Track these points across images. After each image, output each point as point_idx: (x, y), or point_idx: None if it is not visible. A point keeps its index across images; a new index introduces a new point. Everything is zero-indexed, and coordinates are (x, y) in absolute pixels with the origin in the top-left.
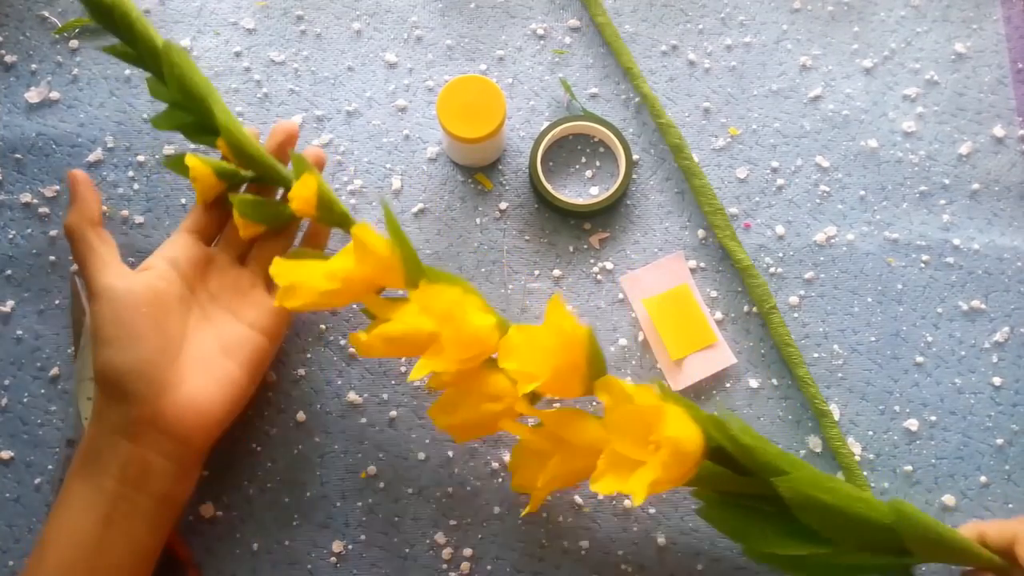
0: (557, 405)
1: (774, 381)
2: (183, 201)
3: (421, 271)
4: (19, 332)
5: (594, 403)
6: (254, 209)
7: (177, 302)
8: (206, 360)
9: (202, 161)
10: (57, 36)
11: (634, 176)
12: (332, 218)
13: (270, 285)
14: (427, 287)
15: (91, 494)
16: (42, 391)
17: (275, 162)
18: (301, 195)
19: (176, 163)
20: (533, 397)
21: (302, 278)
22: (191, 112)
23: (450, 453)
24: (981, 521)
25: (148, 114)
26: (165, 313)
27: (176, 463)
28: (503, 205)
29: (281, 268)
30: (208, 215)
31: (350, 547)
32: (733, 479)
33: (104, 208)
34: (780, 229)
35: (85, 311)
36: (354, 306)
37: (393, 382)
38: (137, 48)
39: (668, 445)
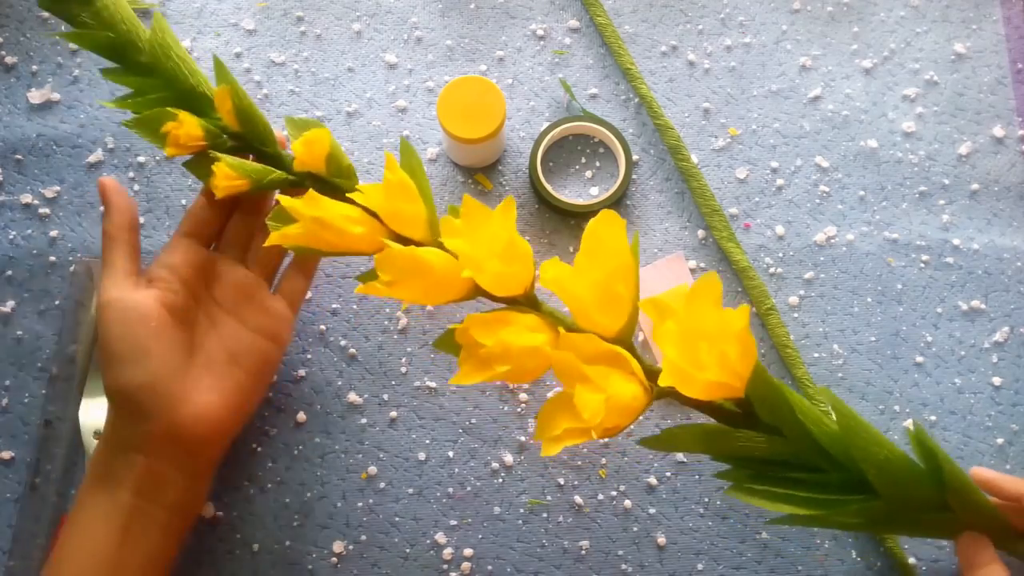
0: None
1: None
2: (183, 202)
3: (438, 222)
4: (19, 332)
5: None
6: (239, 166)
7: (183, 313)
8: (215, 370)
9: (188, 114)
10: (58, 39)
11: (634, 176)
12: (339, 173)
13: (273, 287)
14: (473, 205)
15: (106, 508)
16: (43, 391)
17: (272, 132)
18: (312, 140)
19: (144, 124)
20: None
21: (321, 211)
22: (168, 88)
23: (450, 453)
24: (986, 469)
25: None
26: (173, 326)
27: (189, 474)
28: None
29: (291, 201)
30: (206, 215)
31: (351, 547)
32: (765, 440)
33: None
34: (780, 229)
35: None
36: (353, 303)
37: (393, 382)
38: (108, 28)
39: (729, 332)
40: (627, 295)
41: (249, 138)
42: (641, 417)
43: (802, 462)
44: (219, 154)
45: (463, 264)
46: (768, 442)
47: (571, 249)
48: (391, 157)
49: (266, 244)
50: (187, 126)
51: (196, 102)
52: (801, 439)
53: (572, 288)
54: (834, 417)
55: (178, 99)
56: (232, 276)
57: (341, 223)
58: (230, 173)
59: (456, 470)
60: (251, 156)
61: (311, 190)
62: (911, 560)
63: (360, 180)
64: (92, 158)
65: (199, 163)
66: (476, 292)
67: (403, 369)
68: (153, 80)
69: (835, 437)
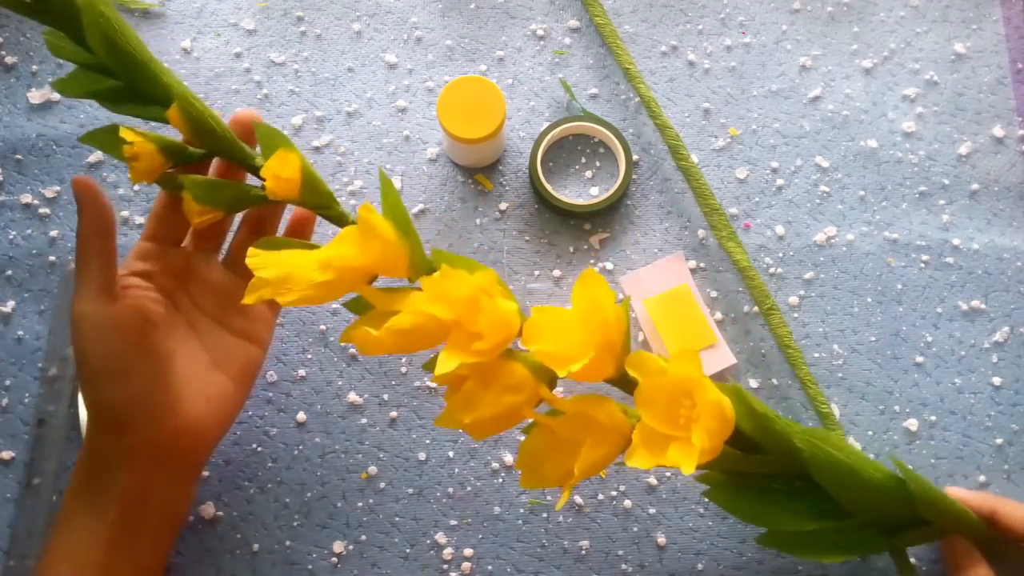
0: (558, 391)
1: (774, 381)
2: None
3: (425, 258)
4: (19, 332)
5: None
6: (211, 192)
7: (163, 321)
8: (197, 378)
9: (142, 134)
10: None
11: (634, 176)
12: (317, 200)
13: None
14: (449, 272)
15: (92, 520)
16: (42, 391)
17: (237, 139)
18: (281, 174)
19: (102, 138)
20: (551, 384)
21: (290, 269)
22: (116, 75)
23: (450, 453)
24: (958, 488)
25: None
26: (152, 336)
27: (174, 482)
28: (503, 205)
29: (262, 259)
30: (171, 215)
31: (351, 547)
32: (746, 459)
33: None
34: (780, 229)
35: None
36: None
37: (394, 382)
38: None
39: (712, 410)
40: (617, 354)
41: (213, 152)
42: None
43: (786, 477)
44: (188, 179)
45: (444, 329)
46: (753, 460)
47: (571, 249)
48: (368, 207)
49: (243, 301)
50: (144, 158)
51: (150, 87)
52: (784, 460)
53: (562, 353)
54: (837, 416)
55: (129, 86)
56: (209, 277)
57: (313, 279)
58: (201, 209)
59: (456, 470)
60: (213, 160)
61: (282, 250)
62: (912, 560)
63: (360, 181)
64: (92, 158)
65: (171, 180)
66: None
67: (403, 369)
68: (98, 58)
69: (811, 466)
